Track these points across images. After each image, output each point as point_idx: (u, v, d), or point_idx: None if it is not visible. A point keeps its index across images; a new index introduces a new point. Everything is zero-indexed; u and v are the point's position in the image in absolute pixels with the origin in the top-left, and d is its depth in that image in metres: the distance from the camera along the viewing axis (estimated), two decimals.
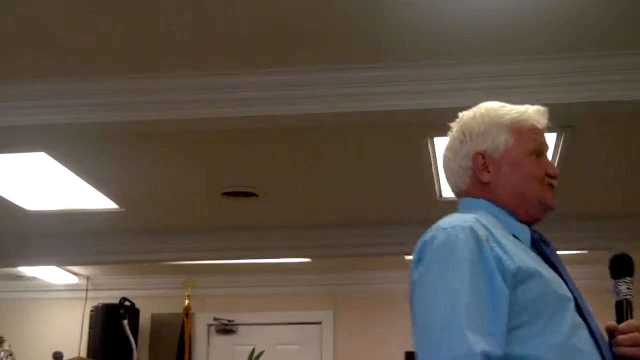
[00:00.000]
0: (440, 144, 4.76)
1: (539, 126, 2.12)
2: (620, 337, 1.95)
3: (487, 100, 3.79)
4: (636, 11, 3.38)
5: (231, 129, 4.21)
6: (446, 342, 1.72)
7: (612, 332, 1.98)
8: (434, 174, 5.26)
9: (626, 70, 3.70)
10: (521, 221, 2.03)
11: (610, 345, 1.95)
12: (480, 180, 2.07)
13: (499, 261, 1.83)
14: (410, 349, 7.14)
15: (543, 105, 3.81)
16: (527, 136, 2.09)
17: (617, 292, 2.04)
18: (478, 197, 2.07)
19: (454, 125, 2.16)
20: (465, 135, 2.11)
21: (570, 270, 2.04)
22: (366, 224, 6.48)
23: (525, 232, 2.02)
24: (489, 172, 2.07)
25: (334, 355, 8.31)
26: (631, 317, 2.00)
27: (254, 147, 4.84)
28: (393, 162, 5.13)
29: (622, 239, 6.16)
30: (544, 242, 2.03)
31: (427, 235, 1.93)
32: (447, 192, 5.63)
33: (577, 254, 6.94)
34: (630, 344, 1.94)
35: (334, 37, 3.60)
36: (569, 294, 1.91)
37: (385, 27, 3.51)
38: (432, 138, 4.68)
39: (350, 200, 5.97)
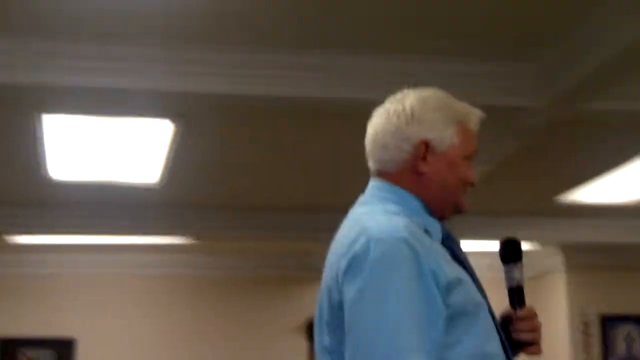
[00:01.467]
0: (51, 122, 4.55)
1: (476, 130, 2.02)
2: (522, 324, 1.98)
3: (98, 80, 3.79)
4: (249, 9, 3.46)
5: None
6: None
7: (508, 319, 1.99)
8: (42, 153, 5.01)
9: (235, 67, 3.81)
10: (433, 216, 1.96)
11: (508, 331, 1.96)
12: (416, 168, 1.93)
13: (435, 277, 1.77)
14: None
15: (156, 90, 3.89)
16: (468, 138, 1.98)
17: (511, 278, 2.02)
18: (400, 187, 1.94)
19: (399, 101, 1.98)
20: (413, 117, 1.94)
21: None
22: None
23: (437, 228, 1.93)
24: (427, 163, 1.93)
25: None
26: (524, 302, 2.00)
27: None
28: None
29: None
30: (452, 238, 1.96)
31: (358, 245, 1.79)
32: (55, 173, 5.41)
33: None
34: (529, 330, 1.98)
35: None
36: (482, 298, 1.89)
37: None
38: (41, 115, 4.45)
39: None
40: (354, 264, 1.78)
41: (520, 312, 1.99)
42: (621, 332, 8.06)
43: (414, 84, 3.85)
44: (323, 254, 6.53)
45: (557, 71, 3.90)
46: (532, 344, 1.99)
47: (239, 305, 8.16)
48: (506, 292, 2.03)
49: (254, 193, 5.92)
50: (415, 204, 1.94)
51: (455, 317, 1.78)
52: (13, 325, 7.75)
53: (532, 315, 2.00)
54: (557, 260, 8.03)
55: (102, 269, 7.92)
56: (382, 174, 1.98)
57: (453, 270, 1.84)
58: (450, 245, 1.93)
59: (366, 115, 2.03)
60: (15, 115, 4.48)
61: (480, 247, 7.78)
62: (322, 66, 3.85)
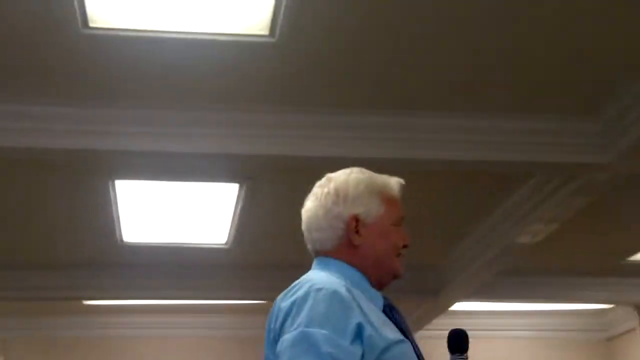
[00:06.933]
0: (122, 187, 4.69)
1: (399, 196, 2.18)
2: None
3: (168, 145, 3.89)
4: (316, 71, 3.54)
5: None
6: None
7: None
8: (115, 217, 5.14)
9: (293, 127, 3.89)
10: (372, 286, 2.10)
11: None
12: (351, 243, 2.09)
13: (359, 331, 1.89)
14: None
15: (224, 154, 3.97)
16: (392, 206, 2.14)
17: None
18: (338, 259, 2.10)
19: (324, 185, 2.15)
20: (339, 197, 2.11)
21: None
22: (42, 265, 6.18)
23: (379, 298, 2.08)
24: (360, 235, 2.09)
25: None
26: None
27: None
28: (73, 203, 4.96)
29: None
30: (393, 308, 2.09)
31: (301, 291, 1.95)
32: (128, 236, 5.54)
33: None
34: None
35: (15, 68, 3.47)
36: None
37: (72, 65, 3.43)
38: (114, 180, 4.59)
39: (25, 240, 5.67)
40: (292, 308, 1.93)
41: None
42: None
43: (481, 141, 3.96)
44: None
45: (621, 126, 3.89)
46: None
47: None
48: None
49: None
50: (356, 275, 2.08)
51: None
52: None
53: None
54: (633, 320, 7.85)
55: (174, 331, 7.99)
56: (321, 253, 2.13)
57: (395, 333, 1.96)
58: (392, 314, 2.06)
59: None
60: (89, 180, 4.61)
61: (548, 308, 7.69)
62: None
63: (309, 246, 2.15)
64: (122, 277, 6.30)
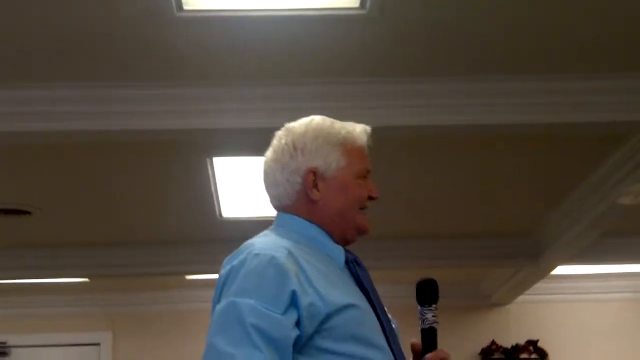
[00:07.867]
0: (220, 164, 4.77)
1: (364, 146, 2.08)
2: None
3: (265, 121, 3.93)
4: (409, 42, 3.53)
5: None
6: None
7: (417, 352, 2.03)
8: (214, 194, 5.24)
9: (388, 98, 3.89)
10: (336, 242, 2.03)
11: None
12: (309, 198, 2.01)
13: (294, 299, 1.82)
14: None
15: None
16: (355, 157, 2.05)
17: (423, 320, 2.04)
18: (297, 215, 2.02)
19: (282, 137, 2.07)
20: (296, 150, 2.02)
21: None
22: (145, 243, 6.37)
23: (339, 253, 2.01)
24: (318, 190, 2.01)
25: None
26: (436, 345, 2.02)
27: (24, 163, 4.65)
28: (172, 181, 5.08)
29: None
30: (358, 264, 2.03)
31: (238, 259, 1.90)
32: (227, 212, 5.64)
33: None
34: None
35: (114, 53, 3.56)
36: (378, 335, 1.93)
37: (169, 47, 3.50)
38: (212, 158, 4.67)
39: (128, 219, 5.85)
40: (227, 276, 1.90)
41: (428, 355, 1.99)
42: None
43: (579, 102, 3.89)
44: (492, 279, 6.39)
45: None
46: None
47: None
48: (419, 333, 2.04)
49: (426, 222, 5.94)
50: (314, 231, 2.01)
51: (341, 338, 1.84)
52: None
53: (440, 358, 2.00)
54: None
55: None
56: (280, 208, 2.06)
57: (345, 296, 1.89)
58: (355, 270, 2.00)
59: None
60: (188, 159, 4.71)
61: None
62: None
63: (269, 199, 2.08)
64: (222, 252, 6.34)
